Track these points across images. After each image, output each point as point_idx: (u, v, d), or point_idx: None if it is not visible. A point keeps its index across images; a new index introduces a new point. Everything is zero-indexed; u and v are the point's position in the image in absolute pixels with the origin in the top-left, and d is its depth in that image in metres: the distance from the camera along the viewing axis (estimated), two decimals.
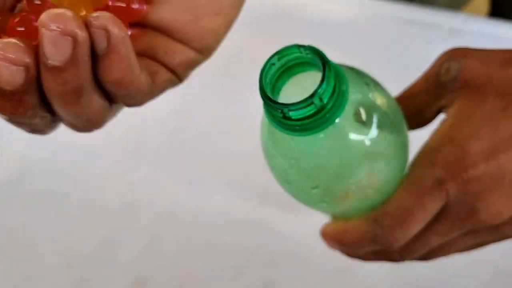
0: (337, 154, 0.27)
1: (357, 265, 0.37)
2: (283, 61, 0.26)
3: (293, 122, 0.25)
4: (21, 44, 0.21)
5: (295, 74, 0.26)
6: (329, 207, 0.31)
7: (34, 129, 0.25)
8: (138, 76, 0.24)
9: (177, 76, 0.28)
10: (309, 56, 0.25)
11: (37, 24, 0.23)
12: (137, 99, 0.26)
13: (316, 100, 0.24)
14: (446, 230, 0.30)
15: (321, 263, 0.47)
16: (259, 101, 0.26)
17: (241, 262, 0.50)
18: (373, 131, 0.27)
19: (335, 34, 0.69)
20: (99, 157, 0.56)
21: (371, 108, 0.27)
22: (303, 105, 0.24)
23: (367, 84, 0.28)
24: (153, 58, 0.27)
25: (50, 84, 0.22)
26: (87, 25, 0.22)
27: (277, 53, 0.25)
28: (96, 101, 0.24)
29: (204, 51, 0.28)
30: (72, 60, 0.21)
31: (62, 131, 0.28)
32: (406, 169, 0.31)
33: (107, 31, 0.22)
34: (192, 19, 0.27)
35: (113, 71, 0.23)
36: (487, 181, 0.28)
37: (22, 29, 0.24)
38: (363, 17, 0.71)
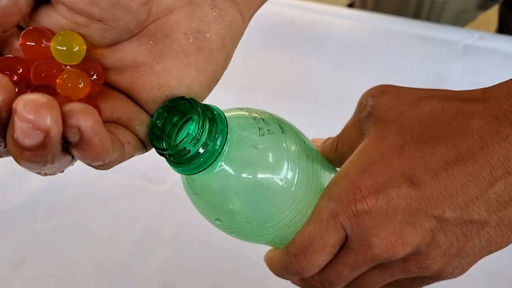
0: (223, 191, 0.28)
1: None
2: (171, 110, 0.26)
3: (177, 164, 0.26)
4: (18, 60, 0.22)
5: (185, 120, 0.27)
6: (238, 237, 0.31)
7: None
8: (111, 153, 0.24)
9: (145, 145, 0.28)
10: (185, 106, 0.26)
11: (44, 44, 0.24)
12: (106, 168, 0.25)
13: (187, 145, 0.25)
14: (353, 263, 0.30)
15: None
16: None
17: (264, 271, 0.52)
18: (260, 171, 0.27)
19: (351, 48, 0.71)
20: (127, 169, 0.58)
21: (258, 151, 0.28)
22: (177, 150, 0.25)
23: (262, 128, 0.28)
24: (127, 127, 0.27)
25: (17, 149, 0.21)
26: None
27: (162, 106, 0.26)
28: (63, 158, 0.23)
29: None
30: (42, 146, 0.20)
31: None
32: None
33: (79, 129, 0.21)
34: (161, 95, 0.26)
35: (86, 156, 0.22)
36: (378, 216, 0.28)
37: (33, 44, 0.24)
38: (378, 33, 0.72)
